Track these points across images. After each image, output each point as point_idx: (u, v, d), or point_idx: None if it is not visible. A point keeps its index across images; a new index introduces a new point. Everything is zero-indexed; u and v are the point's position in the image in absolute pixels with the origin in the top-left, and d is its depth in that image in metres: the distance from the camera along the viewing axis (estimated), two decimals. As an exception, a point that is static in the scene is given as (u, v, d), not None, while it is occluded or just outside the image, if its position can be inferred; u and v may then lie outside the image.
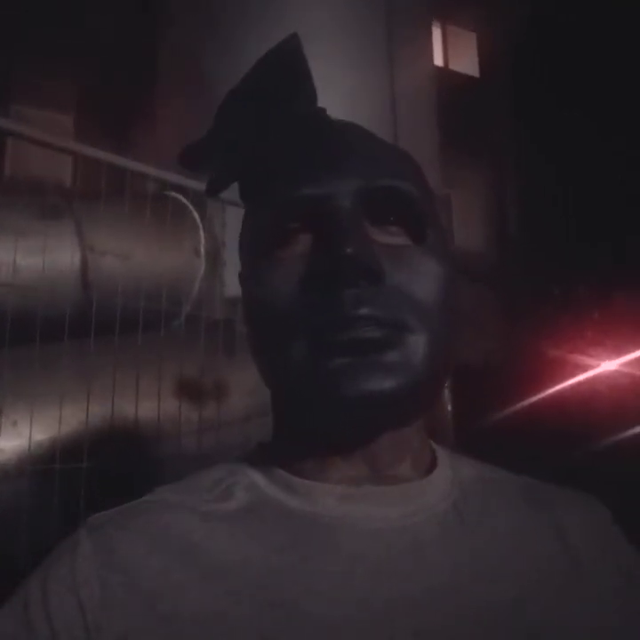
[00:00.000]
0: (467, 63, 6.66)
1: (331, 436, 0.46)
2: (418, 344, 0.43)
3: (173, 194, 2.02)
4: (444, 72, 6.03)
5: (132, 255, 1.83)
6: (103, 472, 1.57)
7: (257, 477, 0.47)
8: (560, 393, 3.17)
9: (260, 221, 0.47)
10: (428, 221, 0.48)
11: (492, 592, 0.42)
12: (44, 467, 1.49)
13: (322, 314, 0.42)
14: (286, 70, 0.44)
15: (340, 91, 2.36)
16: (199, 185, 1.90)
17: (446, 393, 2.08)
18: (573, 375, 3.33)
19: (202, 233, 1.99)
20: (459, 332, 0.48)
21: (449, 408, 2.09)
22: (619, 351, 3.43)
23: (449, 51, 6.59)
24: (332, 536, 0.43)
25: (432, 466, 0.50)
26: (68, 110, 3.53)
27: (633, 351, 3.37)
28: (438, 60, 5.86)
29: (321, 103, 0.47)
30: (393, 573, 0.42)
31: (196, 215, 2.00)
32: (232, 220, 2.08)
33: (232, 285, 2.05)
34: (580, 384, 3.34)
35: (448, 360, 0.48)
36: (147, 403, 1.74)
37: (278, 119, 0.44)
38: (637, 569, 0.49)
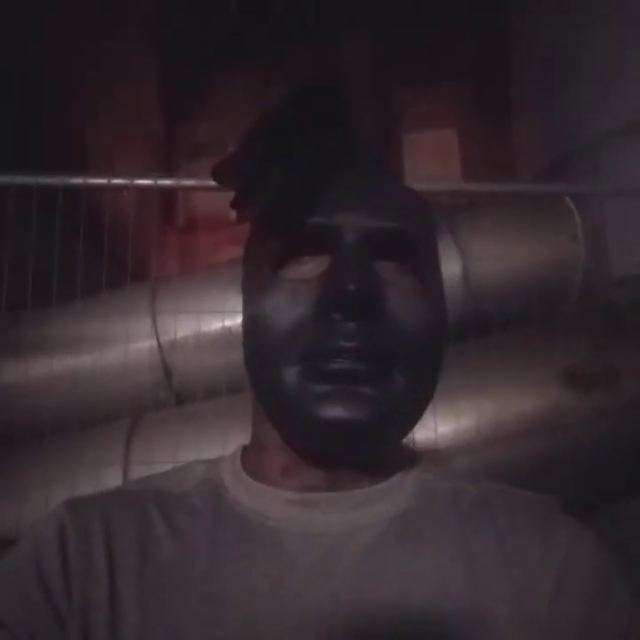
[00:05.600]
0: None
1: (304, 452, 0.49)
2: (400, 380, 0.47)
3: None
4: None
5: (508, 256, 1.94)
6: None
7: (227, 478, 0.53)
8: None
9: (271, 243, 0.50)
10: (428, 265, 0.52)
11: (408, 595, 0.45)
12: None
13: (317, 342, 0.46)
14: (326, 104, 0.47)
15: None
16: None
17: None
18: None
19: (577, 218, 1.96)
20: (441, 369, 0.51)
21: None
22: None
23: None
24: (276, 538, 0.48)
25: (393, 475, 0.52)
26: (451, 125, 3.78)
27: None
28: None
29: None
30: (326, 575, 0.46)
31: (568, 201, 1.98)
32: (610, 201, 2.00)
33: (618, 266, 1.95)
34: None
35: (429, 395, 0.51)
36: (534, 394, 1.81)
37: (309, 150, 0.47)
38: (568, 578, 0.47)
